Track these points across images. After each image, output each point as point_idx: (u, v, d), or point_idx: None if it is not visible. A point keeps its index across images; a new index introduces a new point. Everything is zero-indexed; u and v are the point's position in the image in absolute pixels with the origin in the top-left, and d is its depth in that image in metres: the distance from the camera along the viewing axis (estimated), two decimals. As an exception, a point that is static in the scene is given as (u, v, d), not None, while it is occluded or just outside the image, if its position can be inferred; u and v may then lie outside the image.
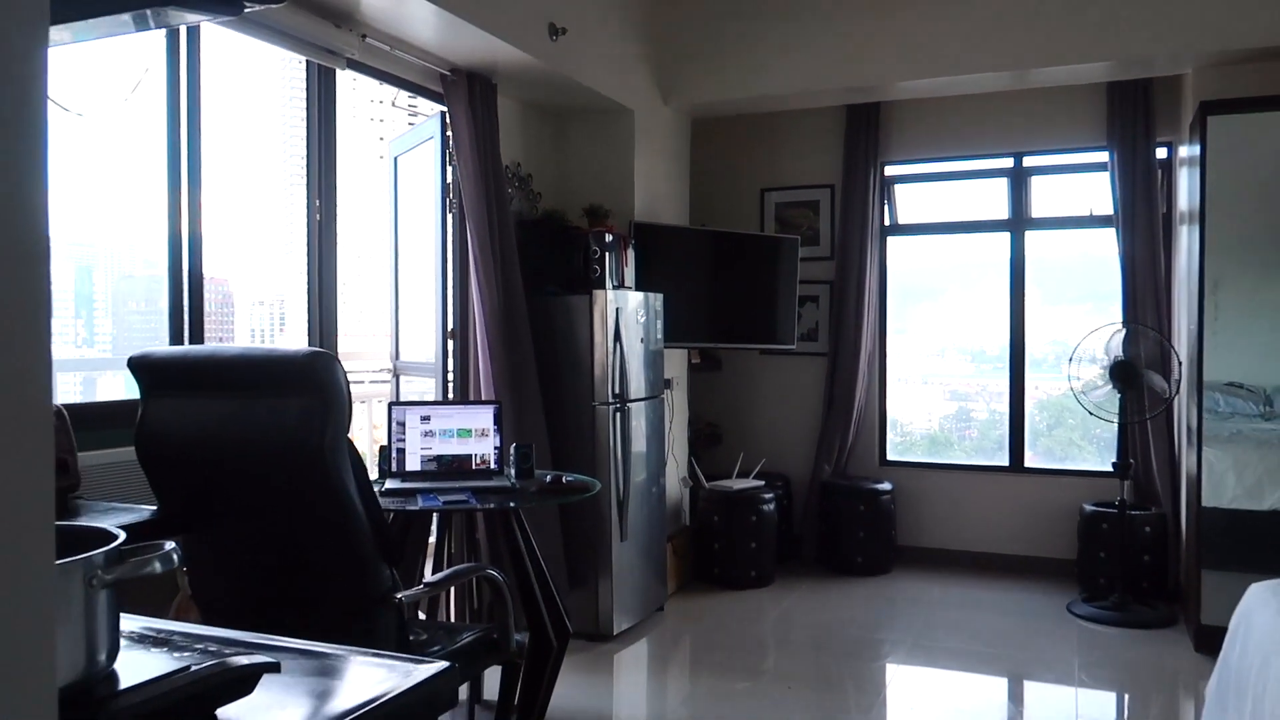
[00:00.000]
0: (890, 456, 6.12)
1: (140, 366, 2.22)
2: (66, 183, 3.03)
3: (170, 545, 0.97)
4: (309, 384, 2.03)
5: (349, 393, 2.10)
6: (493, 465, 3.41)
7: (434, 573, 3.53)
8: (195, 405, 2.17)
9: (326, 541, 2.12)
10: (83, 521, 2.03)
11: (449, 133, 4.17)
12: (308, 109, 3.63)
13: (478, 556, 3.73)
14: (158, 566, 0.94)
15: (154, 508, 2.22)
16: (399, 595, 2.18)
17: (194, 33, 3.02)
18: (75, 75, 2.64)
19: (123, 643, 1.00)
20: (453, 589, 4.00)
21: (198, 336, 3.08)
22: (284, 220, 3.72)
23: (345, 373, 2.08)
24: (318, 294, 3.69)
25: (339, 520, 2.07)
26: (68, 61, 2.64)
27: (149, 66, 2.78)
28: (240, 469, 2.11)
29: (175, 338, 3.03)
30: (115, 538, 0.97)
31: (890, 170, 6.06)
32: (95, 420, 2.52)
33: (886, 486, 5.71)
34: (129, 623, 1.15)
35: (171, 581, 2.18)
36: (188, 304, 3.07)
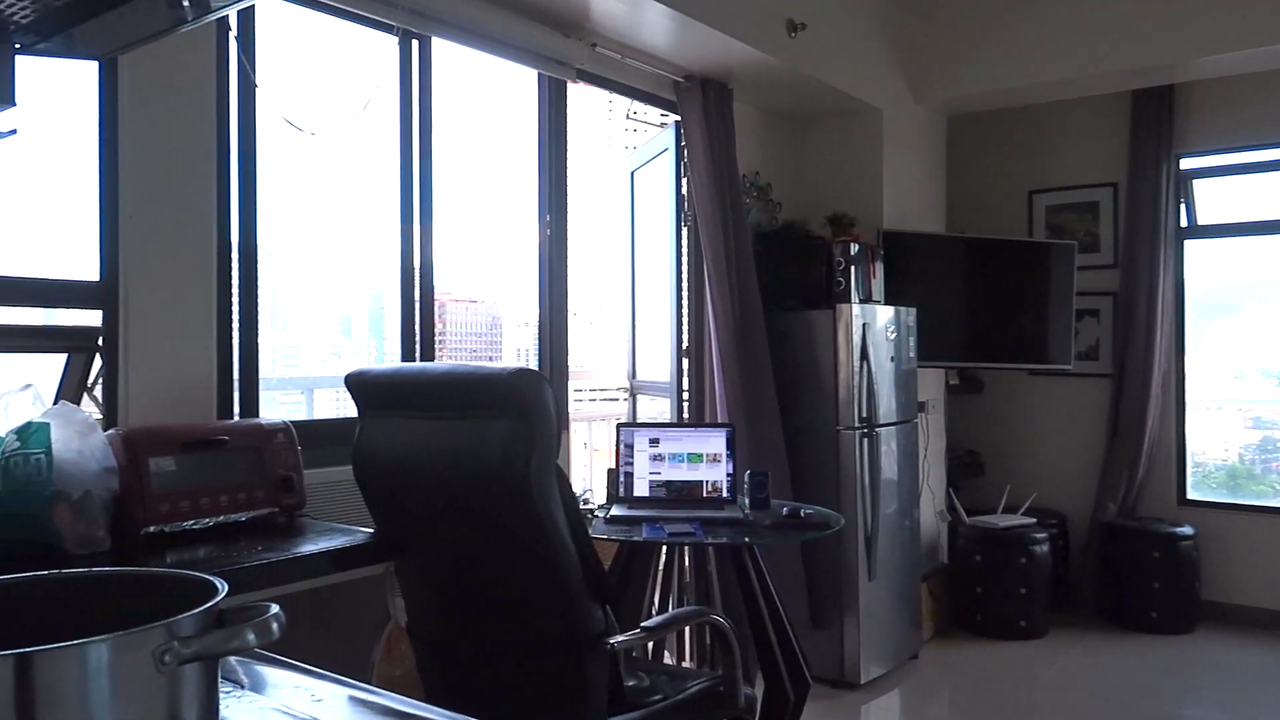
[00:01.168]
0: (1192, 495, 5.24)
1: (356, 384, 2.15)
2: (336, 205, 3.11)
3: (274, 610, 0.77)
4: (514, 405, 1.85)
5: (559, 415, 1.91)
6: (725, 494, 3.14)
7: (660, 605, 3.31)
8: (405, 425, 2.06)
9: (532, 576, 1.93)
10: (283, 552, 1.97)
11: (683, 144, 3.98)
12: (538, 122, 3.56)
13: (708, 592, 3.46)
14: (251, 639, 0.74)
15: (369, 531, 2.14)
16: (612, 641, 1.95)
17: (425, 48, 3.02)
18: (307, 94, 2.68)
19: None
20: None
21: (428, 354, 3.05)
22: (515, 236, 3.66)
23: (554, 393, 1.89)
24: (548, 310, 3.60)
25: (544, 553, 1.88)
26: (300, 80, 2.68)
27: (380, 83, 2.78)
28: (447, 494, 1.98)
29: (407, 357, 3.01)
30: (212, 593, 0.79)
31: (1187, 163, 5.22)
32: (320, 438, 2.51)
33: (1188, 530, 4.88)
34: (280, 680, 0.98)
35: (384, 609, 2.10)
36: (419, 322, 3.05)
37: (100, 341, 2.27)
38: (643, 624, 2.09)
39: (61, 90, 2.28)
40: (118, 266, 2.27)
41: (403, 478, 2.07)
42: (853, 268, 4.19)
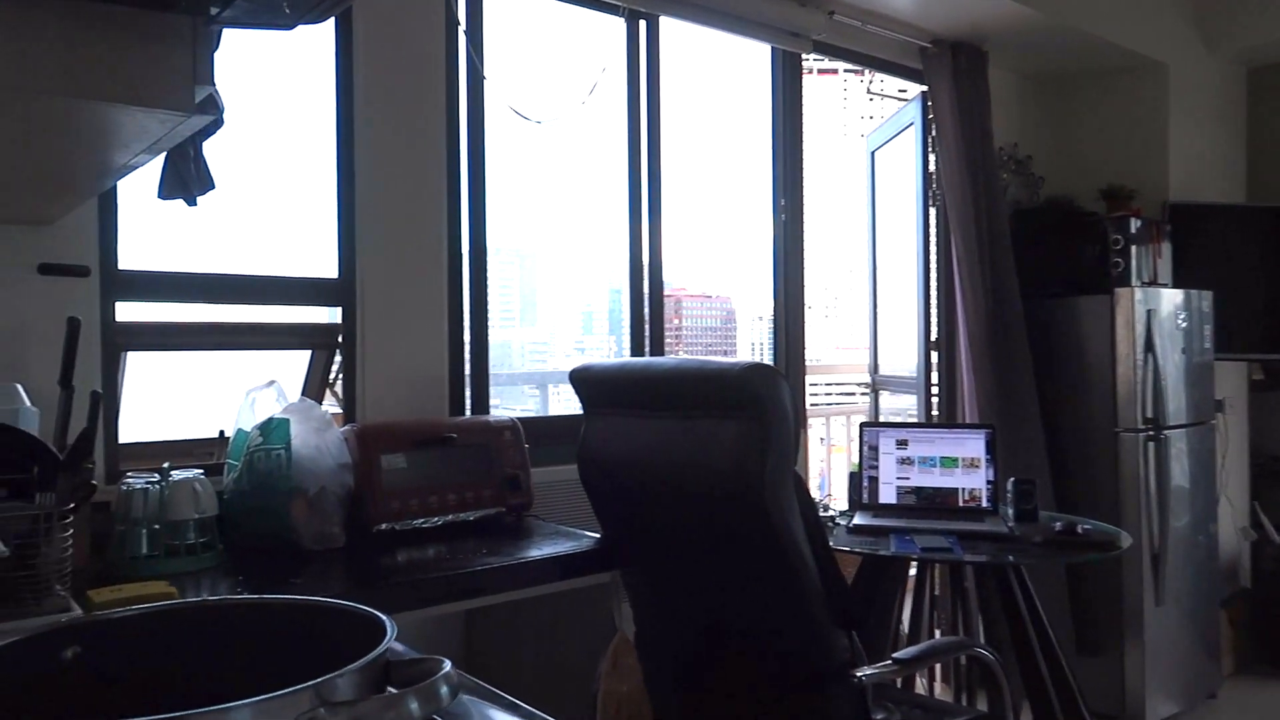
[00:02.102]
0: None
1: (580, 381, 2.04)
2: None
3: (445, 669, 0.62)
4: (746, 404, 1.66)
5: (796, 414, 1.69)
6: (984, 504, 2.79)
7: (911, 627, 3.01)
8: (630, 424, 1.92)
9: (767, 595, 1.73)
10: (508, 556, 1.89)
11: (930, 116, 3.63)
12: (771, 102, 3.35)
13: (966, 615, 3.11)
14: (413, 709, 0.58)
15: (595, 536, 2.02)
16: (860, 674, 1.72)
17: (653, 29, 2.89)
18: (533, 82, 2.62)
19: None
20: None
21: (657, 351, 2.93)
22: (748, 226, 3.46)
23: (792, 391, 1.68)
24: (783, 302, 3.38)
25: (780, 570, 1.67)
26: (526, 68, 2.62)
27: (606, 67, 2.67)
28: (673, 500, 1.82)
29: (636, 354, 2.90)
30: (378, 635, 0.65)
31: None
32: (549, 435, 2.43)
33: None
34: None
35: (610, 619, 1.98)
36: (649, 317, 2.92)
37: (340, 338, 2.31)
38: (895, 655, 1.83)
39: (301, 92, 2.34)
40: (355, 264, 2.29)
41: (627, 481, 1.93)
42: (1133, 247, 3.66)
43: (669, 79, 2.94)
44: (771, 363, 3.36)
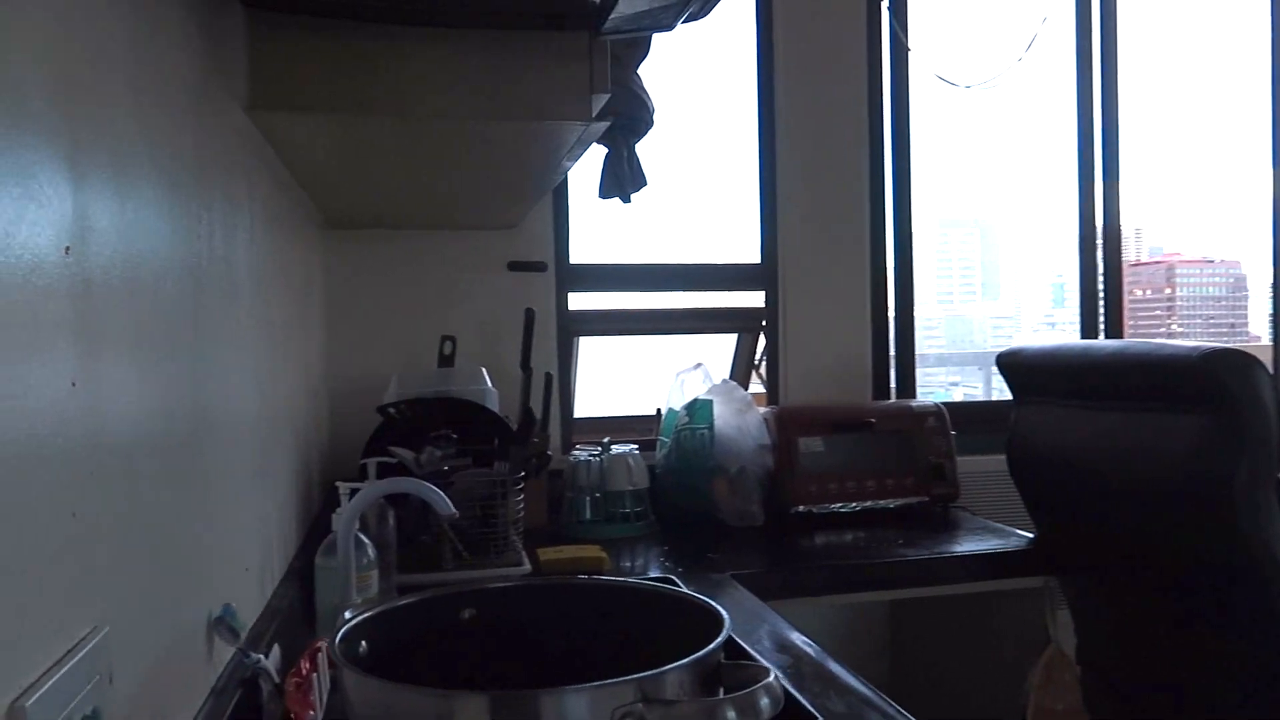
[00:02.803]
0: None
1: (1009, 365, 1.87)
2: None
3: (769, 679, 0.59)
4: (1210, 396, 1.39)
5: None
6: None
7: None
8: (1066, 414, 1.72)
9: (1242, 620, 1.44)
10: (926, 549, 1.78)
11: None
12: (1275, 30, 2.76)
13: None
14: (731, 717, 0.57)
15: (1028, 535, 1.85)
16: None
17: (1108, -38, 2.52)
18: (959, 46, 2.43)
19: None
20: None
21: (1115, 330, 2.58)
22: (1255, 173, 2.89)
23: (1271, 379, 1.37)
24: (1289, 268, 2.78)
25: (1259, 597, 1.38)
26: (952, 34, 2.44)
27: (1046, 15, 2.39)
28: (1122, 500, 1.59)
29: (1087, 331, 2.58)
30: (715, 628, 0.65)
31: None
32: (977, 422, 2.26)
33: None
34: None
35: (1042, 628, 1.78)
36: (1103, 291, 2.59)
37: (764, 322, 2.37)
38: None
39: (723, 86, 2.42)
40: (776, 249, 2.33)
41: (1064, 477, 1.73)
42: None
43: (1131, 18, 2.56)
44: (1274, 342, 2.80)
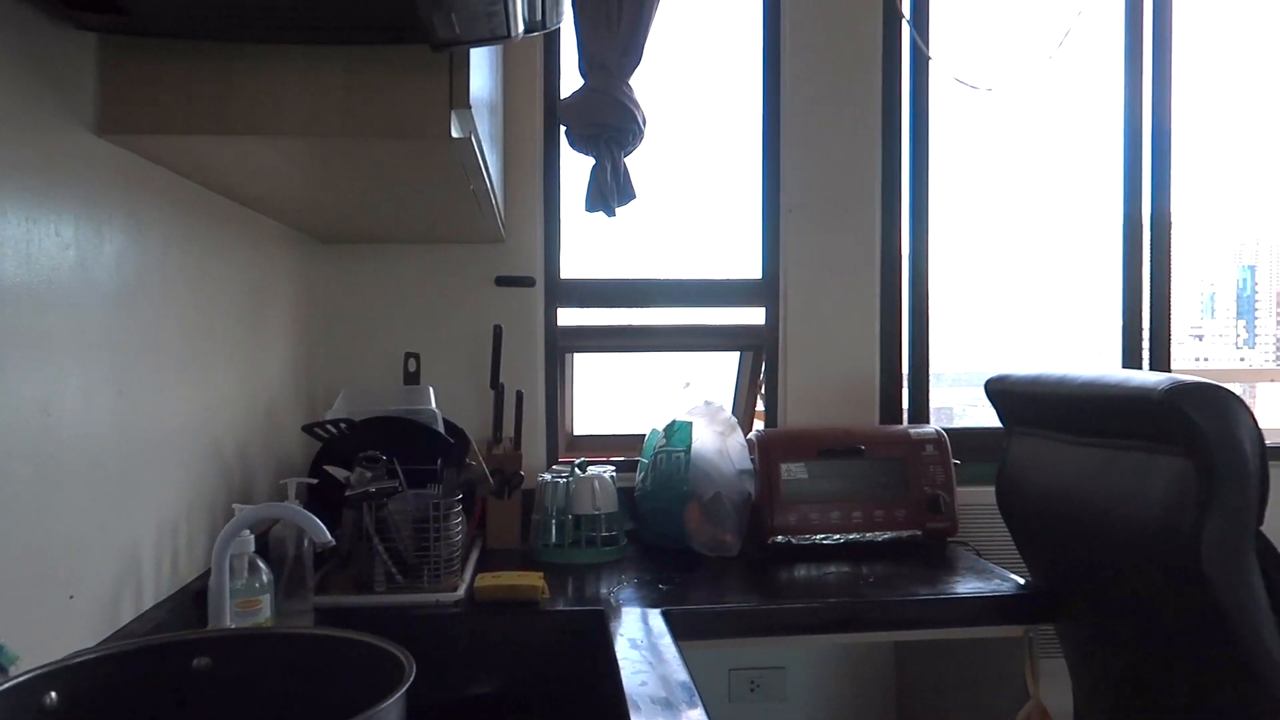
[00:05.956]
0: None
1: (997, 393, 1.73)
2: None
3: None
4: (1178, 434, 1.24)
5: (1264, 455, 1.22)
6: None
7: None
8: (1054, 448, 1.57)
9: (1213, 688, 1.27)
10: (899, 590, 1.65)
11: None
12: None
13: None
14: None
15: (1017, 580, 1.69)
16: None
17: (1153, -47, 2.32)
18: (975, 46, 2.27)
19: None
20: None
21: (1160, 361, 2.36)
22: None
23: (1253, 419, 1.21)
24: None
25: (1229, 652, 1.22)
26: (962, 32, 2.28)
27: (1081, 8, 2.20)
28: (1101, 546, 1.44)
29: (1129, 357, 2.37)
30: (396, 679, 0.59)
31: None
32: (987, 450, 2.10)
33: None
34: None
35: (1021, 681, 1.63)
36: (1148, 306, 2.38)
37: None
38: None
39: (726, 96, 2.33)
40: (778, 263, 2.23)
41: (1050, 517, 1.58)
42: None
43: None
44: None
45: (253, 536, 1.23)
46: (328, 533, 1.15)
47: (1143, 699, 1.49)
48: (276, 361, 1.79)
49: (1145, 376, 1.30)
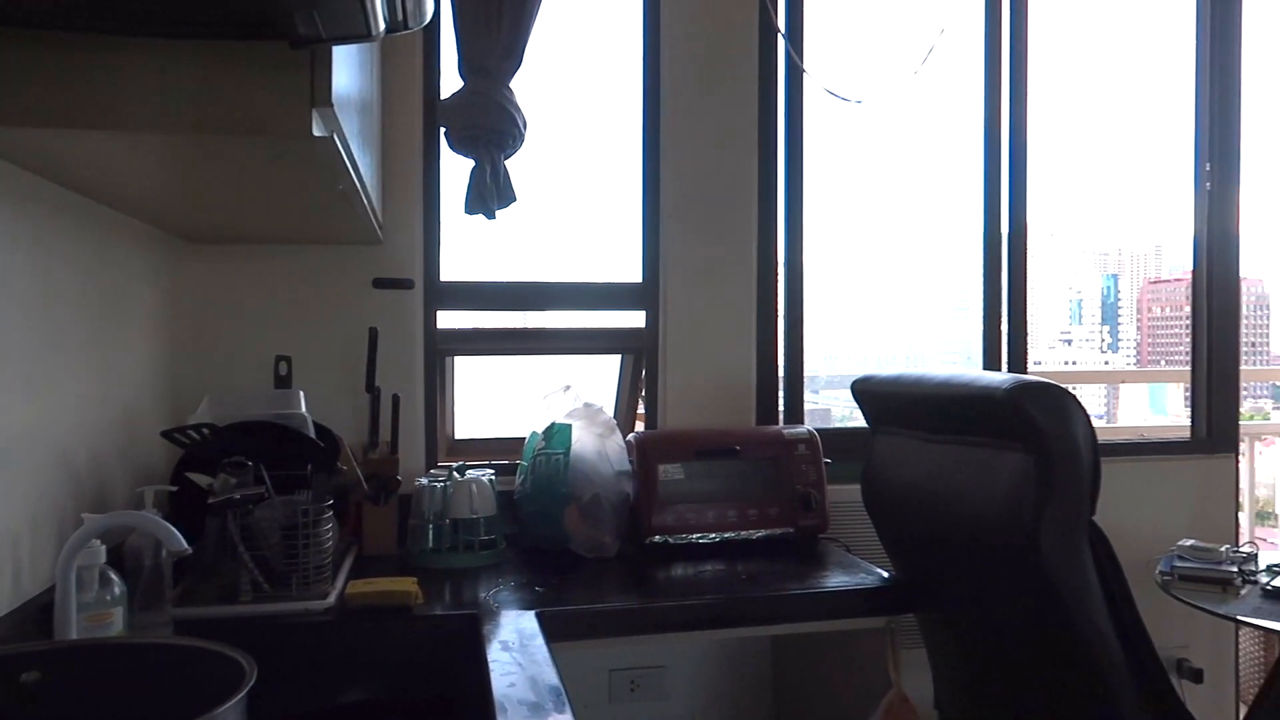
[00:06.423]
0: None
1: (862, 393, 1.80)
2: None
3: None
4: (1019, 431, 1.32)
5: (1096, 450, 1.31)
6: None
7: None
8: (912, 446, 1.65)
9: (1052, 668, 1.36)
10: (772, 587, 1.69)
11: None
12: (1197, 36, 2.69)
13: None
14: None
15: (882, 574, 1.76)
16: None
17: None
18: (846, 60, 2.36)
19: None
20: None
21: (1018, 363, 2.49)
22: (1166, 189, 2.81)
23: (1087, 417, 1.30)
24: (1206, 286, 2.70)
25: (1063, 640, 1.30)
26: (834, 46, 2.37)
27: (944, 27, 2.32)
28: (956, 542, 1.51)
29: (990, 359, 2.50)
30: (240, 679, 0.58)
31: None
32: (860, 448, 2.18)
33: None
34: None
35: (883, 670, 1.70)
36: (1005, 319, 2.51)
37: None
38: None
39: (606, 100, 2.35)
40: (658, 267, 2.26)
41: (910, 512, 1.65)
42: None
43: (1040, 22, 2.49)
44: None
45: (104, 547, 1.18)
46: (183, 541, 1.12)
47: (991, 682, 1.58)
48: (137, 365, 1.72)
49: (992, 377, 1.38)
